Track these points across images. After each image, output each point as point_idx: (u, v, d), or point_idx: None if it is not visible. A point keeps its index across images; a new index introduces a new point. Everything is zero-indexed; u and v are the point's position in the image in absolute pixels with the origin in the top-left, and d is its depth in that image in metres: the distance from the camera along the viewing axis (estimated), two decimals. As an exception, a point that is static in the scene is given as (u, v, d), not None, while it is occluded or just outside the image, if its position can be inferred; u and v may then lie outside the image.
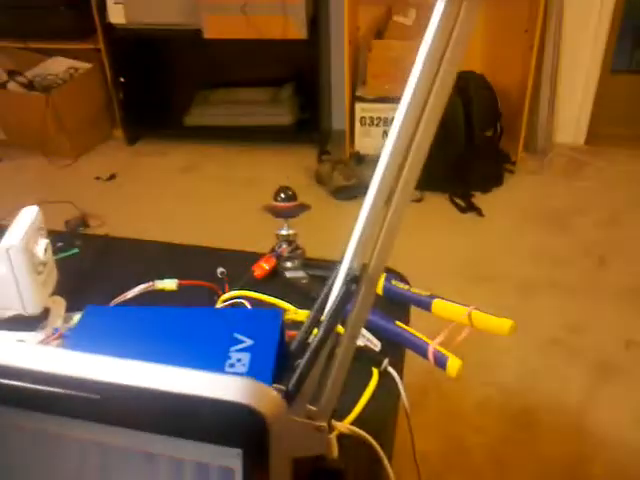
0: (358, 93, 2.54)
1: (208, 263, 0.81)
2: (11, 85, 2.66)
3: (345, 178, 2.33)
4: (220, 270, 0.77)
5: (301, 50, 2.53)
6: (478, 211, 2.28)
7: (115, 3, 2.54)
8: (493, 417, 1.46)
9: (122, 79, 2.70)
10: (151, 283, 0.68)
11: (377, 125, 2.56)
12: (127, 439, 0.26)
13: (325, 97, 2.78)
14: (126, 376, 0.25)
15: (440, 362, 0.60)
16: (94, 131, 2.80)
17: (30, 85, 2.65)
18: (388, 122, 2.52)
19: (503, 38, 2.51)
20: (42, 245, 0.61)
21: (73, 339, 0.56)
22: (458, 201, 2.33)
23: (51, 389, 0.26)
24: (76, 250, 0.74)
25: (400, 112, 0.43)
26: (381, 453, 0.50)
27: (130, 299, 0.70)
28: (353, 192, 2.30)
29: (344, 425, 0.51)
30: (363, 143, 2.59)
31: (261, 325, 0.51)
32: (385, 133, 2.56)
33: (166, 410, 0.23)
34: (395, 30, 2.42)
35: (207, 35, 2.48)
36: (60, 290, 0.71)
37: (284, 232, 0.79)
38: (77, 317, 0.64)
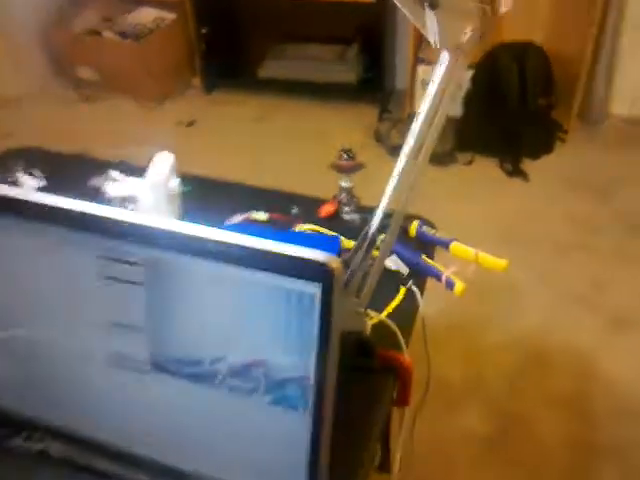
0: (421, 55, 2.68)
1: (284, 203, 1.05)
2: (105, 33, 2.95)
3: (401, 138, 2.51)
4: (294, 209, 1.02)
5: (369, 11, 2.68)
6: (525, 176, 2.43)
7: (202, -42, 2.75)
8: (511, 354, 1.68)
9: (203, 30, 2.94)
10: (248, 214, 0.94)
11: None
12: (251, 275, 0.50)
13: (389, 58, 2.93)
14: (256, 242, 0.49)
15: (449, 285, 0.83)
16: (176, 78, 3.06)
17: (122, 33, 2.93)
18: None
19: (565, 9, 2.59)
20: (175, 183, 0.87)
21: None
22: (507, 166, 2.49)
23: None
24: (190, 187, 0.99)
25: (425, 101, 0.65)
26: (399, 335, 0.75)
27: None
28: (408, 150, 2.49)
29: (377, 314, 0.76)
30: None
31: (325, 245, 0.75)
32: (444, 96, 2.71)
33: (284, 260, 0.48)
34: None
35: (284, -7, 2.66)
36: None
37: (344, 184, 1.02)
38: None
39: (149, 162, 2.38)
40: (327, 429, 0.55)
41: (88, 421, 0.65)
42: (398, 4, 0.56)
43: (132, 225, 0.52)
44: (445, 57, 0.60)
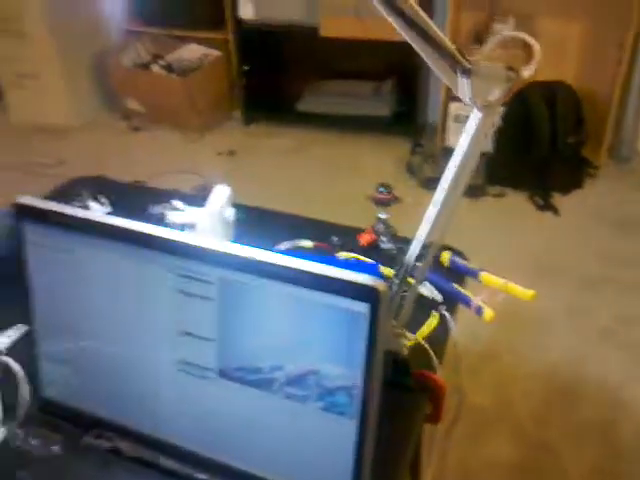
0: (453, 92, 2.78)
1: (325, 232, 1.14)
2: (154, 67, 3.12)
3: (433, 171, 2.61)
4: (334, 238, 1.11)
5: (404, 49, 2.78)
6: (555, 210, 2.49)
7: (246, 0, 2.92)
8: (540, 385, 1.73)
9: (245, 67, 3.09)
10: (295, 241, 1.03)
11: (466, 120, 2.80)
12: (308, 294, 0.59)
13: (422, 93, 3.04)
14: (314, 266, 0.58)
15: (478, 311, 0.91)
16: (218, 111, 3.21)
17: (169, 68, 3.10)
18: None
19: (595, 48, 2.67)
20: (231, 212, 0.97)
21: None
22: (537, 199, 2.55)
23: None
24: (243, 215, 1.09)
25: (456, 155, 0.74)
26: (433, 356, 0.82)
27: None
28: (438, 184, 2.57)
29: (413, 336, 0.84)
30: (454, 139, 2.84)
31: (366, 272, 0.83)
32: (475, 131, 2.79)
33: (338, 282, 0.56)
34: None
35: (323, 33, 2.80)
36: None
37: (382, 215, 1.11)
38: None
39: (195, 189, 2.47)
40: (371, 435, 0.63)
41: (156, 423, 0.73)
42: (433, 68, 0.65)
43: (208, 249, 0.61)
44: (475, 114, 0.69)
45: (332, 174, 2.79)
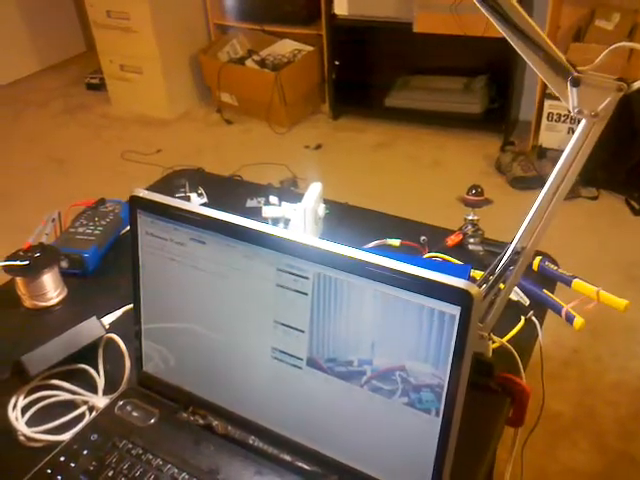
0: (549, 90, 2.69)
1: (411, 231, 1.15)
2: (248, 62, 3.22)
3: (524, 169, 2.54)
4: (422, 237, 1.12)
5: (498, 45, 2.72)
6: (653, 215, 2.37)
7: (341, -3, 2.95)
8: (626, 396, 1.66)
9: (336, 62, 3.13)
10: (383, 240, 1.06)
11: (563, 122, 2.70)
12: (401, 294, 0.61)
13: (516, 90, 2.95)
14: (407, 267, 0.60)
15: (569, 319, 0.89)
16: (307, 105, 3.27)
17: (262, 63, 3.19)
18: (575, 120, 2.65)
19: None
20: (322, 208, 1.00)
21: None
22: (634, 203, 2.42)
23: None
24: (328, 211, 1.12)
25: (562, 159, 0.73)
26: (518, 360, 0.82)
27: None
28: (529, 184, 2.51)
29: (499, 339, 0.84)
30: (547, 137, 2.75)
31: (455, 273, 0.84)
32: (571, 130, 2.70)
33: (431, 284, 0.59)
34: (595, 34, 2.53)
35: (416, 29, 2.78)
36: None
37: (471, 217, 1.11)
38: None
39: (283, 182, 2.54)
40: (454, 435, 0.64)
41: (247, 405, 0.77)
42: (540, 75, 0.65)
43: (308, 246, 0.65)
44: (582, 123, 0.68)
45: (419, 170, 2.78)
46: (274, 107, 3.11)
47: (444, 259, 1.03)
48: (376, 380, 0.66)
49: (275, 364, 0.72)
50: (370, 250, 1.02)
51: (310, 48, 3.18)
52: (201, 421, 0.78)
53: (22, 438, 0.79)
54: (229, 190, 1.31)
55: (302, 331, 0.69)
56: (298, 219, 0.99)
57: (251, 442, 0.76)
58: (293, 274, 0.67)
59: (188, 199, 1.17)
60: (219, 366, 0.78)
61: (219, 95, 3.30)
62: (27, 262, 0.96)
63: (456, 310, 0.58)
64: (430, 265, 0.91)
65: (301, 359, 0.70)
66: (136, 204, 0.76)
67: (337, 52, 3.11)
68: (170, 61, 3.28)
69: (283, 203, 1.07)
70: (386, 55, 3.26)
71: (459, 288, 0.57)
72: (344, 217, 1.20)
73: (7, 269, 0.96)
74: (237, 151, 2.99)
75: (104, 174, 2.85)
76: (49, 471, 0.73)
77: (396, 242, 1.05)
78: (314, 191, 1.01)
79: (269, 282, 0.69)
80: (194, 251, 0.73)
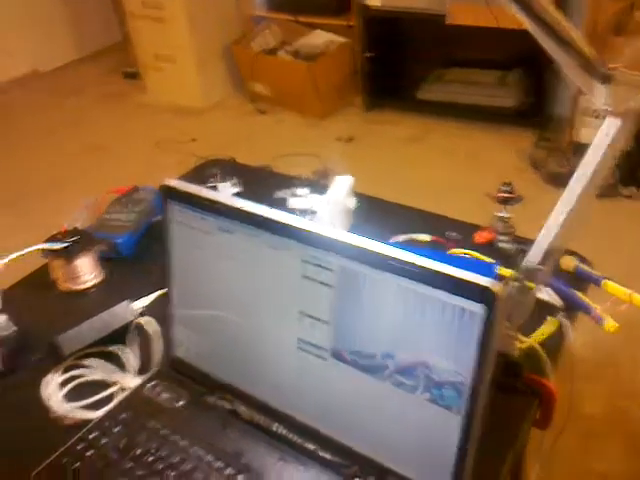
0: (587, 85, 2.63)
1: (441, 226, 1.14)
2: (281, 53, 3.23)
3: (559, 165, 2.49)
4: (451, 233, 1.11)
5: (533, 39, 2.67)
6: (692, 216, 2.30)
7: (375, -11, 2.92)
8: (658, 400, 1.63)
9: (369, 54, 3.11)
10: (413, 235, 1.05)
11: (601, 117, 2.64)
12: (425, 290, 0.61)
13: (551, 84, 2.89)
14: (433, 263, 0.60)
15: (599, 321, 0.88)
16: (339, 97, 3.26)
17: (295, 53, 3.19)
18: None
19: None
20: (352, 200, 1.00)
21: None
22: (673, 203, 2.36)
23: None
24: (358, 204, 1.12)
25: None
26: (547, 361, 0.81)
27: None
28: (564, 180, 2.45)
29: (528, 340, 0.83)
30: (583, 133, 2.69)
31: (482, 271, 0.84)
32: (608, 126, 2.63)
33: (456, 281, 0.57)
34: (636, 27, 2.45)
35: (449, 21, 2.75)
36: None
37: (502, 214, 1.09)
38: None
39: (314, 173, 2.55)
40: (476, 433, 0.64)
41: (273, 392, 0.78)
42: (567, 73, 0.64)
43: (334, 240, 0.65)
44: (612, 122, 0.67)
45: (451, 164, 2.75)
46: (307, 98, 3.11)
47: (471, 256, 1.02)
48: (399, 375, 0.66)
49: (301, 354, 0.73)
50: (395, 244, 1.02)
51: (343, 39, 3.16)
52: (228, 406, 0.80)
53: (55, 415, 0.82)
54: (260, 180, 1.32)
55: (327, 322, 0.70)
56: (325, 212, 0.99)
57: (275, 429, 0.77)
58: (318, 266, 0.67)
59: (215, 189, 1.19)
60: (246, 354, 0.79)
61: (252, 85, 3.32)
62: (65, 245, 0.98)
63: (480, 308, 0.58)
64: (455, 261, 0.90)
65: (326, 350, 0.71)
66: (166, 193, 0.77)
67: (370, 43, 3.09)
68: (203, 51, 3.31)
69: (312, 195, 1.08)
70: (419, 47, 3.23)
71: (483, 286, 0.57)
72: (374, 211, 1.20)
73: (46, 253, 0.99)
74: (269, 141, 3.00)
75: (140, 161, 2.90)
76: (80, 446, 0.75)
77: (425, 237, 1.05)
78: (341, 184, 1.01)
79: (294, 273, 0.69)
80: (221, 240, 0.74)
